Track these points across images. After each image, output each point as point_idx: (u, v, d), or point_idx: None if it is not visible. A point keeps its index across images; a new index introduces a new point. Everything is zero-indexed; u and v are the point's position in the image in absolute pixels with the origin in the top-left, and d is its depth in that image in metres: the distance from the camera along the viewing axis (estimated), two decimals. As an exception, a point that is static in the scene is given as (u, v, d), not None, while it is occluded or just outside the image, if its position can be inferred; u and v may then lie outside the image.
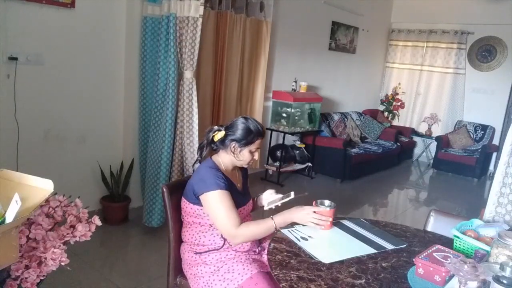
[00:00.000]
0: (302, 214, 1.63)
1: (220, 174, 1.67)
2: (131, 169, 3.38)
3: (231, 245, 1.70)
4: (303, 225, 1.65)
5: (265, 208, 1.83)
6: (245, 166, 1.82)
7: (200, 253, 1.72)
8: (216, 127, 1.79)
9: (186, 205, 1.74)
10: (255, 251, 1.77)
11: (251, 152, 1.75)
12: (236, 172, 1.85)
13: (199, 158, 1.84)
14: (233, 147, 1.73)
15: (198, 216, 1.71)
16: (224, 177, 1.69)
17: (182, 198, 1.77)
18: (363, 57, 6.67)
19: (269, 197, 1.87)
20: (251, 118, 1.78)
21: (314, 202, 1.67)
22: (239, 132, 1.72)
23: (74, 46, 3.04)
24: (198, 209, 1.70)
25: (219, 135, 1.76)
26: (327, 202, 1.68)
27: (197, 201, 1.69)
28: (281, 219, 1.64)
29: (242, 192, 1.82)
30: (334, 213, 1.65)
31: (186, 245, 1.78)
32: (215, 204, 1.62)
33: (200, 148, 1.83)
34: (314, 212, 1.62)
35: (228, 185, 1.67)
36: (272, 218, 1.63)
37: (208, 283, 1.66)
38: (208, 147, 1.81)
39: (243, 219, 1.77)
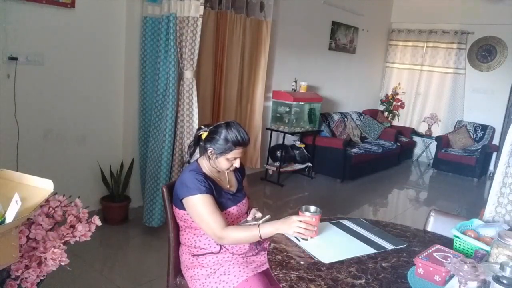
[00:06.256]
0: (287, 224, 1.56)
1: (201, 177, 1.65)
2: (131, 169, 3.38)
3: (227, 248, 1.70)
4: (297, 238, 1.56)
5: (241, 222, 1.75)
6: (226, 172, 1.78)
7: (198, 255, 1.72)
8: (203, 127, 1.78)
9: (175, 210, 1.75)
10: (253, 254, 1.76)
11: (229, 160, 1.70)
12: (225, 173, 1.82)
13: (188, 158, 1.84)
14: (210, 153, 1.71)
15: (186, 220, 1.71)
16: (207, 179, 1.67)
17: (172, 203, 1.77)
18: (363, 57, 6.67)
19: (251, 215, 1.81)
20: (236, 125, 1.71)
21: (299, 210, 1.60)
22: (216, 140, 1.68)
23: (74, 46, 3.03)
24: (184, 214, 1.70)
25: (205, 135, 1.75)
26: (312, 208, 1.60)
27: (182, 206, 1.68)
28: (267, 229, 1.59)
29: (233, 192, 1.80)
30: (320, 219, 1.58)
31: (184, 247, 1.78)
32: (198, 208, 1.61)
33: (189, 148, 1.83)
34: (300, 221, 1.54)
35: (210, 188, 1.66)
36: (258, 227, 1.61)
37: (204, 285, 1.66)
38: (197, 146, 1.80)
39: (237, 218, 1.77)
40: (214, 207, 1.63)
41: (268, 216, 1.71)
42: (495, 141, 6.18)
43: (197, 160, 1.79)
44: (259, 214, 1.80)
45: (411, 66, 7.13)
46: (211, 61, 3.92)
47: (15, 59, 2.69)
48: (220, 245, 1.69)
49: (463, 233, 1.56)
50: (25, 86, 2.79)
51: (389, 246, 1.57)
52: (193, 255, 1.73)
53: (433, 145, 6.61)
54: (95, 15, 3.11)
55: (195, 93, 3.16)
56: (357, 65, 6.57)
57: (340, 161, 5.22)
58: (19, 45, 2.73)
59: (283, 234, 1.59)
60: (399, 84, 7.23)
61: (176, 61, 3.08)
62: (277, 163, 4.96)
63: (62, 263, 1.22)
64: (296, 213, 1.60)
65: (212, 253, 1.70)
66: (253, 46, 4.37)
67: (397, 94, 7.18)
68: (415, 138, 6.99)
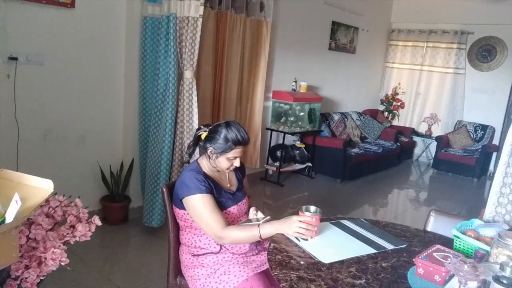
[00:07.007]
0: (287, 224, 1.56)
1: (200, 177, 1.65)
2: (131, 169, 3.38)
3: (228, 248, 1.70)
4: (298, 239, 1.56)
5: (241, 222, 1.76)
6: (226, 171, 1.79)
7: (198, 255, 1.72)
8: (202, 127, 1.78)
9: (176, 210, 1.75)
10: (253, 253, 1.76)
11: (229, 159, 1.70)
12: (225, 172, 1.81)
13: (188, 158, 1.84)
14: (210, 152, 1.71)
15: (187, 220, 1.71)
16: (207, 179, 1.67)
17: (172, 203, 1.77)
18: (363, 57, 6.67)
19: (251, 214, 1.82)
20: (236, 124, 1.71)
21: (299, 210, 1.59)
22: (216, 139, 1.68)
23: (74, 46, 3.03)
24: (185, 214, 1.70)
25: (204, 135, 1.75)
26: (312, 208, 1.60)
27: (182, 206, 1.68)
28: (267, 229, 1.59)
29: (233, 192, 1.80)
30: (320, 219, 1.58)
31: (184, 247, 1.78)
32: (198, 208, 1.62)
33: (188, 148, 1.83)
34: (300, 221, 1.54)
35: (210, 188, 1.66)
36: (258, 227, 1.60)
37: (204, 285, 1.66)
38: (197, 146, 1.80)
39: (237, 218, 1.77)
40: (214, 206, 1.63)
41: (268, 217, 1.71)
42: (495, 141, 6.17)
43: (197, 160, 1.79)
44: (259, 214, 1.80)
45: (411, 66, 7.13)
46: (211, 61, 3.92)
47: (15, 59, 2.69)
48: (220, 245, 1.69)
49: (463, 233, 1.55)
50: (25, 86, 2.79)
51: (389, 246, 1.57)
52: (193, 255, 1.73)
53: (433, 145, 6.61)
54: (95, 15, 3.11)
55: (195, 93, 3.16)
56: (357, 65, 6.57)
57: (340, 161, 5.22)
58: (19, 45, 2.72)
59: (283, 234, 1.59)
60: (399, 84, 7.22)
61: (176, 61, 3.08)
62: (277, 163, 4.96)
63: (62, 263, 1.22)
64: (296, 213, 1.60)
65: (212, 253, 1.70)
66: (253, 46, 4.37)
67: (397, 94, 7.18)
68: (415, 138, 6.98)
